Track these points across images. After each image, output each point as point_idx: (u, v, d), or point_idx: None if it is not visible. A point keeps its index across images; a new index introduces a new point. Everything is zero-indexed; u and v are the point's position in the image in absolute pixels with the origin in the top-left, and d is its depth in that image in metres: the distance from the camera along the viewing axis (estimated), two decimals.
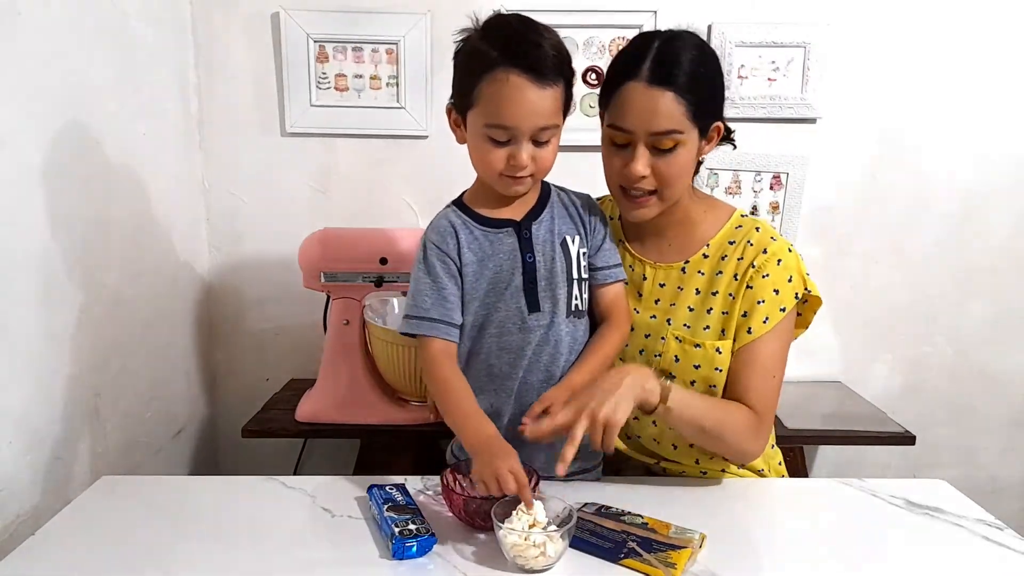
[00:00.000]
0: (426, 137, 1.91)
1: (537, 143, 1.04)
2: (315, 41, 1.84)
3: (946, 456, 2.09)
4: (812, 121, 1.90)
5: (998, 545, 1.00)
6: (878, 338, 2.03)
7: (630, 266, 1.24)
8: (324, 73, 1.86)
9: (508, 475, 0.93)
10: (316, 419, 1.65)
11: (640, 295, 1.23)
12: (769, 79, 1.86)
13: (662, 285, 1.21)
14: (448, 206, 1.16)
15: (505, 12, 1.10)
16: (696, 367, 1.16)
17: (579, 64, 1.86)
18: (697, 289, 1.19)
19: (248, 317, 1.99)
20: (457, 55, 1.08)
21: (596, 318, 1.19)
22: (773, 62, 1.85)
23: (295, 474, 1.87)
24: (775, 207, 1.94)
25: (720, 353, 1.15)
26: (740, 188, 1.93)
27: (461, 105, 1.07)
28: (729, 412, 1.12)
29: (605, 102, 1.14)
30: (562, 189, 1.20)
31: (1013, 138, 1.92)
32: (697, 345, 1.16)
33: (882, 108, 1.90)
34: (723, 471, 1.22)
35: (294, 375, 1.99)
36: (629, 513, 1.03)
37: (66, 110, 1.32)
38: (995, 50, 1.87)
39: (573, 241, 1.13)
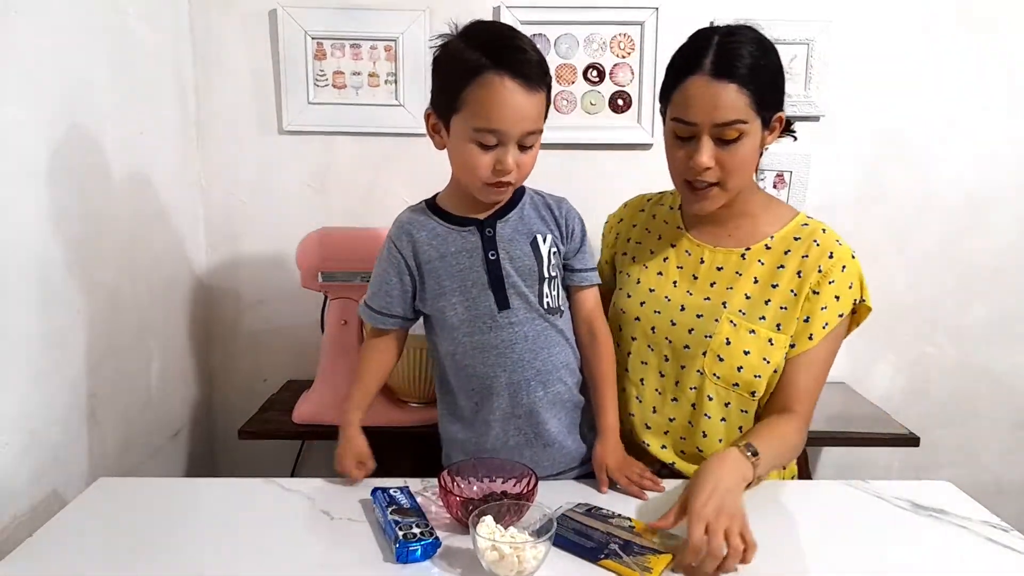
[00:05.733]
0: (424, 135, 1.88)
1: (522, 148, 1.05)
2: (313, 38, 1.83)
3: (950, 457, 2.08)
4: (815, 119, 1.89)
5: (1003, 547, 0.99)
6: (881, 339, 2.02)
7: (686, 251, 1.24)
8: (322, 70, 1.85)
9: (351, 468, 1.16)
10: (314, 420, 1.63)
11: (696, 277, 1.22)
12: None
13: (720, 268, 1.21)
14: (418, 204, 1.19)
15: (486, 20, 1.12)
16: (746, 353, 1.16)
17: (580, 61, 1.86)
18: (756, 278, 1.19)
19: (245, 317, 1.98)
20: (438, 60, 1.08)
21: (577, 327, 1.20)
22: None
23: (293, 476, 1.86)
24: None
25: (772, 344, 1.15)
26: None
27: (444, 110, 1.07)
28: (785, 437, 1.14)
29: (667, 98, 1.14)
30: (537, 192, 1.20)
31: (1016, 136, 1.91)
32: (752, 331, 1.16)
33: (885, 106, 1.89)
34: None
35: (292, 376, 1.98)
36: (619, 516, 1.02)
37: (62, 109, 1.31)
38: (997, 48, 1.86)
39: (544, 240, 1.14)
